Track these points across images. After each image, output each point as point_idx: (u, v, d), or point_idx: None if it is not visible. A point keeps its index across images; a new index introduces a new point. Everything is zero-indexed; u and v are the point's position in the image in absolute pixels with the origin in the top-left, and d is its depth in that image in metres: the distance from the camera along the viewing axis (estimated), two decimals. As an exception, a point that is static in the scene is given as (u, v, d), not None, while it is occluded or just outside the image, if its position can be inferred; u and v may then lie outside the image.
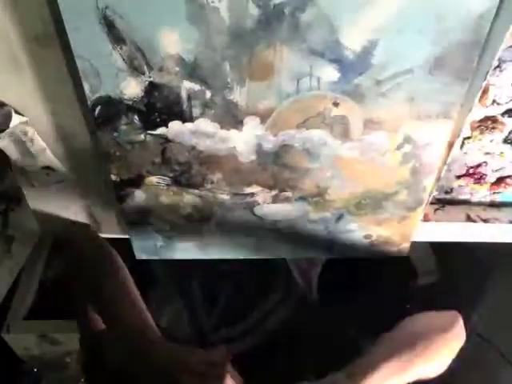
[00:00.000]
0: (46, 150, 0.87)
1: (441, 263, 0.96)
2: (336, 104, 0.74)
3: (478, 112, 0.80)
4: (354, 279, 0.98)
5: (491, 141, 0.85)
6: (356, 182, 0.86)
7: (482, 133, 0.84)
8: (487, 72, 0.70)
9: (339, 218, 0.93)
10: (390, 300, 0.92)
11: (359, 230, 0.97)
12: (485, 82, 0.72)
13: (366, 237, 0.98)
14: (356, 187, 0.87)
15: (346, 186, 0.87)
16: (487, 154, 0.88)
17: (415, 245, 1.00)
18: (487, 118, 0.82)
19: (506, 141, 0.85)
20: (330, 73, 0.70)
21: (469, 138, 0.85)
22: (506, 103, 0.79)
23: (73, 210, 1.02)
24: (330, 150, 0.80)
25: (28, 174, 0.93)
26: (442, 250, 1.11)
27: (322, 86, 0.72)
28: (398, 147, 0.80)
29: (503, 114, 0.81)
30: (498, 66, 0.74)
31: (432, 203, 0.95)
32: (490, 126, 0.82)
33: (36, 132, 0.84)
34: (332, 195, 0.88)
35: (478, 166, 0.90)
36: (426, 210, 0.94)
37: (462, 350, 0.82)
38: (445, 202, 0.95)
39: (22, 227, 1.06)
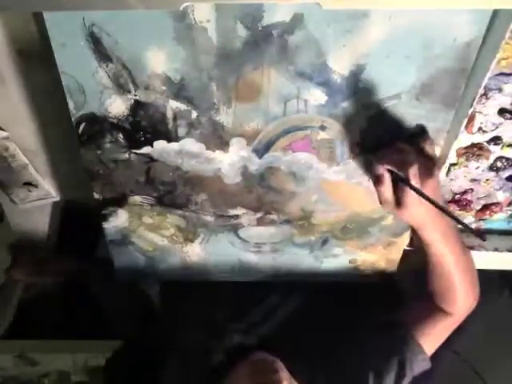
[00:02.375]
0: (27, 166, 0.86)
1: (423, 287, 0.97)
2: (323, 127, 0.74)
3: (465, 139, 0.81)
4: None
5: (477, 168, 0.85)
6: (342, 206, 0.86)
7: (468, 159, 0.84)
8: (474, 99, 0.70)
9: (324, 241, 0.93)
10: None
11: (344, 255, 0.96)
12: (471, 110, 0.72)
13: (352, 261, 0.97)
14: (342, 211, 0.87)
15: (331, 209, 0.86)
16: (473, 180, 0.88)
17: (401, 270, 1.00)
18: (473, 145, 0.82)
19: (491, 168, 0.85)
20: (317, 96, 0.70)
21: (455, 164, 0.85)
22: (492, 131, 0.79)
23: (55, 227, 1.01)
24: (316, 174, 0.80)
25: (9, 191, 0.92)
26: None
27: (310, 108, 0.72)
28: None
29: (489, 142, 0.81)
30: (485, 94, 0.74)
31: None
32: (476, 153, 0.83)
33: (18, 148, 0.83)
34: (317, 219, 0.88)
35: (464, 192, 0.90)
36: (413, 235, 0.93)
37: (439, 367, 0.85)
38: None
39: (2, 244, 1.04)
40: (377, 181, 0.70)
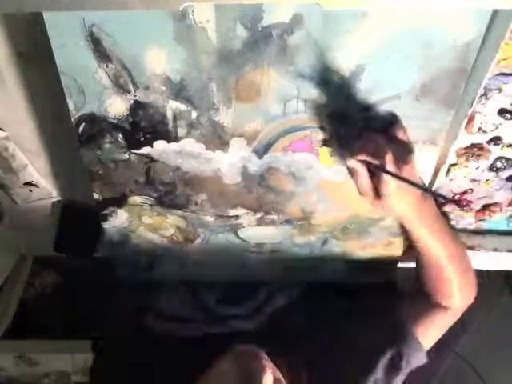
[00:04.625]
0: (27, 166, 0.86)
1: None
2: (323, 128, 0.74)
3: (464, 139, 0.81)
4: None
5: (477, 168, 0.85)
6: (342, 207, 0.86)
7: (467, 160, 0.84)
8: (473, 99, 0.70)
9: (324, 242, 0.93)
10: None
11: (344, 255, 0.96)
12: (471, 110, 0.72)
13: (352, 261, 0.97)
14: (341, 212, 0.87)
15: (331, 210, 0.86)
16: (473, 181, 0.88)
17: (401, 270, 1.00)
18: (473, 146, 0.82)
19: (491, 168, 0.85)
20: (317, 96, 0.70)
21: (455, 164, 0.85)
22: (492, 131, 0.79)
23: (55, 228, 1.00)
24: (316, 174, 0.80)
25: (10, 191, 0.92)
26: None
27: (309, 108, 0.72)
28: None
29: (489, 142, 0.81)
30: (484, 95, 0.74)
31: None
32: (476, 153, 0.83)
33: (17, 148, 0.83)
34: (317, 219, 0.88)
35: (464, 192, 0.90)
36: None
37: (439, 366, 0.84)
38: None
39: (2, 245, 1.04)
40: (351, 173, 0.70)
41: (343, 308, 0.94)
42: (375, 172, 0.68)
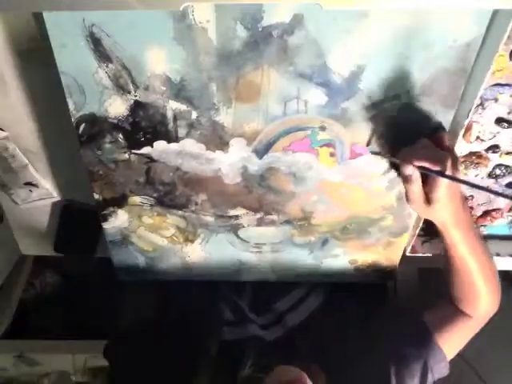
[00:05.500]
0: (27, 166, 0.86)
1: (425, 288, 0.96)
2: (323, 128, 0.74)
3: (463, 148, 0.81)
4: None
5: (476, 175, 0.86)
6: (341, 207, 0.86)
7: (466, 168, 0.84)
8: (474, 99, 0.70)
9: (324, 242, 0.92)
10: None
11: (344, 255, 0.96)
12: (467, 120, 0.72)
13: (351, 262, 0.97)
14: (341, 212, 0.86)
15: (331, 210, 0.86)
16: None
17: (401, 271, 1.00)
18: (472, 154, 0.83)
19: (490, 175, 0.86)
20: (317, 96, 0.70)
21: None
22: (490, 139, 0.80)
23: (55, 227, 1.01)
24: (316, 174, 0.80)
25: (10, 191, 0.92)
26: (428, 276, 1.12)
27: (310, 109, 0.72)
28: (384, 172, 0.80)
29: (487, 150, 0.82)
30: (481, 104, 0.75)
31: (420, 235, 0.94)
32: (475, 161, 0.83)
33: (17, 148, 0.83)
34: (317, 219, 0.88)
35: (465, 199, 0.90)
36: (414, 242, 0.93)
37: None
38: (432, 234, 0.94)
39: (2, 245, 1.04)
40: (406, 180, 0.71)
41: (368, 314, 0.93)
42: (428, 178, 0.70)
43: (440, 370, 0.84)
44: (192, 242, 0.93)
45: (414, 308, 0.92)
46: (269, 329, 0.94)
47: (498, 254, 0.95)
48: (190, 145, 0.76)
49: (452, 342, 0.86)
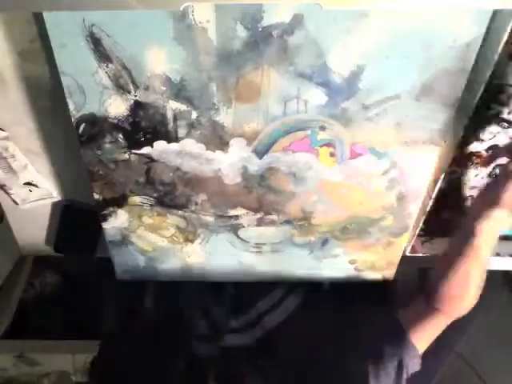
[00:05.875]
0: (27, 166, 0.86)
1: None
2: (323, 128, 0.74)
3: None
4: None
5: (476, 175, 0.86)
6: (341, 207, 0.86)
7: (467, 167, 0.84)
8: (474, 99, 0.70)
9: (324, 242, 0.92)
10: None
11: (344, 255, 0.96)
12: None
13: (351, 262, 0.97)
14: (341, 212, 0.86)
15: (331, 210, 0.86)
16: (473, 188, 0.88)
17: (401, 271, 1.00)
18: (471, 154, 0.83)
19: (490, 175, 0.86)
20: (317, 96, 0.70)
21: (454, 172, 0.85)
22: (490, 139, 0.80)
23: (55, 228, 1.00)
24: (316, 174, 0.80)
25: (10, 191, 0.92)
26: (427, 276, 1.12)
27: (310, 109, 0.72)
28: (385, 172, 0.80)
29: (487, 150, 0.82)
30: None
31: (420, 235, 0.94)
32: (475, 161, 0.83)
33: (17, 148, 0.83)
34: (317, 219, 0.88)
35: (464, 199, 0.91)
36: (414, 243, 0.93)
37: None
38: (432, 234, 0.94)
39: (2, 245, 1.04)
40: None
41: (344, 315, 0.93)
42: None
43: (413, 366, 0.85)
44: (192, 242, 0.93)
45: (387, 306, 0.92)
46: (247, 331, 0.94)
47: (497, 254, 0.95)
48: (190, 145, 0.76)
49: (425, 338, 0.87)
